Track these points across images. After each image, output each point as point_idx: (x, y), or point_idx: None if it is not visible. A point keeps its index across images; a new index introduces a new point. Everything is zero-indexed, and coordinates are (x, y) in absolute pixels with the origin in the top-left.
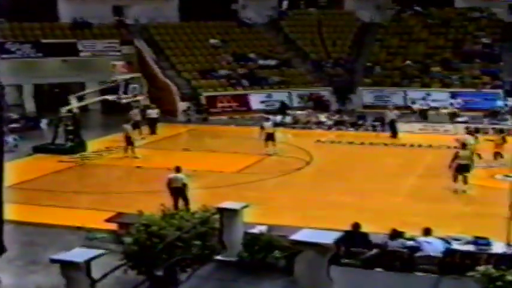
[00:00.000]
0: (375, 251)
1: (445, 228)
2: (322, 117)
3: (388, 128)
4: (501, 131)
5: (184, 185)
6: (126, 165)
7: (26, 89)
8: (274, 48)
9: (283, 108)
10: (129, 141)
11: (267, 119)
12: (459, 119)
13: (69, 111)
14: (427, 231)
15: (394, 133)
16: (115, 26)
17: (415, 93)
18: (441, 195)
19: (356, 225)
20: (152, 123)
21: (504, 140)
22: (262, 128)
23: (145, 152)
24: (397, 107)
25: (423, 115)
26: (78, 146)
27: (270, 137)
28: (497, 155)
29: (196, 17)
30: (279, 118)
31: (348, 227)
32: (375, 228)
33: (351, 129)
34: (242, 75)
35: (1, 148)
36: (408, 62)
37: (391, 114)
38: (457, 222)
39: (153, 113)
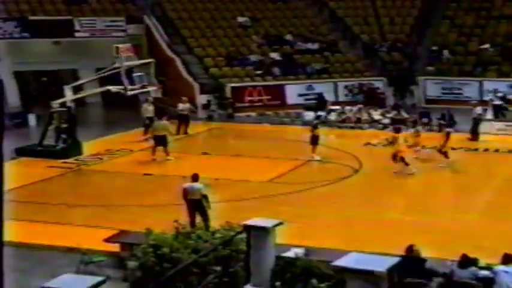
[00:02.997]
0: (437, 281)
1: None
2: (376, 114)
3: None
4: (397, 130)
5: (204, 197)
6: (131, 172)
7: (8, 77)
8: (317, 28)
9: (320, 103)
10: (163, 142)
11: (318, 117)
12: None
13: (63, 105)
14: (507, 259)
15: (475, 135)
16: (120, 0)
17: (493, 84)
18: None
19: (410, 249)
20: (184, 121)
21: (394, 141)
22: (314, 128)
23: (156, 155)
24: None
25: (497, 112)
26: (73, 148)
27: (316, 140)
28: (395, 158)
29: None
30: (322, 115)
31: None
32: (441, 254)
33: (411, 129)
34: (276, 62)
35: (1, 153)
36: (487, 45)
37: (476, 111)
38: None
39: (186, 108)
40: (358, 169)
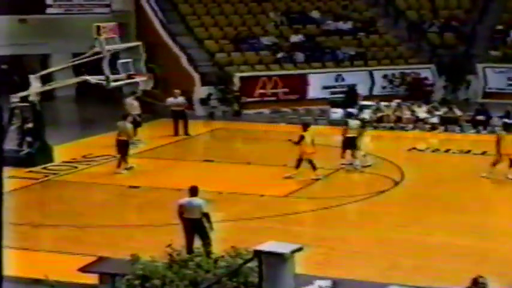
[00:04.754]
0: None
1: None
2: (422, 112)
3: None
4: (304, 126)
5: (205, 216)
6: (113, 184)
7: None
8: (350, 2)
9: (351, 97)
10: (123, 148)
11: (351, 114)
12: None
13: (26, 99)
14: None
15: None
16: None
17: None
18: None
19: (475, 282)
20: (181, 119)
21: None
22: (345, 129)
23: (144, 163)
24: None
25: None
26: (41, 154)
27: (350, 143)
28: (300, 162)
29: None
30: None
31: (464, 284)
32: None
33: (472, 131)
34: (298, 46)
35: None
36: None
37: None
38: None
39: (179, 103)
40: (399, 181)
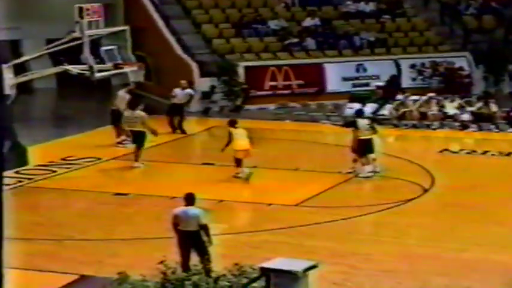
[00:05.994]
0: None
1: None
2: (454, 107)
3: None
4: (232, 123)
5: (203, 228)
6: (97, 191)
7: None
8: None
9: (392, 88)
10: (139, 140)
11: (360, 112)
12: None
13: None
14: None
15: None
16: None
17: None
18: None
19: None
20: (177, 114)
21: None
22: (356, 129)
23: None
24: None
25: None
26: (13, 155)
27: (365, 147)
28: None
29: None
30: (369, 109)
31: None
32: None
33: (511, 129)
34: (311, 31)
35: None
36: None
37: None
38: None
39: (183, 94)
40: (429, 187)
